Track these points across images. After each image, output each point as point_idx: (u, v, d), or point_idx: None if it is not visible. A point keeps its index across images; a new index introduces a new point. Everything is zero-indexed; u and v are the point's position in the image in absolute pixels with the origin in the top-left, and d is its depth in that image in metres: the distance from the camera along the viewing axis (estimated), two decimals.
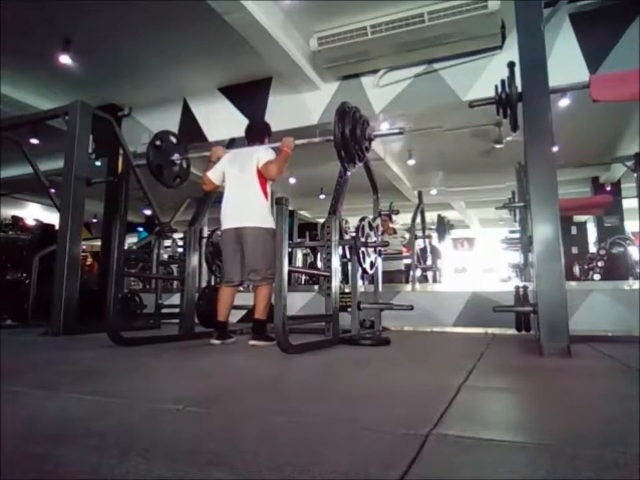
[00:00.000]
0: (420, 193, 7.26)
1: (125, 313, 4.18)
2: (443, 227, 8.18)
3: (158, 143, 3.47)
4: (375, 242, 3.43)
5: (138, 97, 6.24)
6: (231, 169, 3.11)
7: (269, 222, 3.02)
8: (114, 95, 6.21)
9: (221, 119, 5.83)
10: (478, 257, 15.84)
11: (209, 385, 1.63)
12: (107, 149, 5.74)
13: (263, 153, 3.04)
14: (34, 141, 6.51)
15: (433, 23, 4.25)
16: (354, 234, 3.32)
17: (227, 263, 3.11)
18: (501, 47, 4.65)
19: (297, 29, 4.68)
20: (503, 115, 2.61)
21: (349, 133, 2.89)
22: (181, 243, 8.19)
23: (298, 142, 3.12)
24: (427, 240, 7.46)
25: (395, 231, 6.67)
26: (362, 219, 3.36)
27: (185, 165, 3.67)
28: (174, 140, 3.61)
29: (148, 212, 10.05)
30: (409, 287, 5.86)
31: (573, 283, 6.26)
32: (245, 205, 3.01)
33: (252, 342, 2.86)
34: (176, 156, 3.56)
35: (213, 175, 3.16)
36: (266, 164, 2.98)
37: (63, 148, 4.00)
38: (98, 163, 6.03)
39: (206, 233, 4.86)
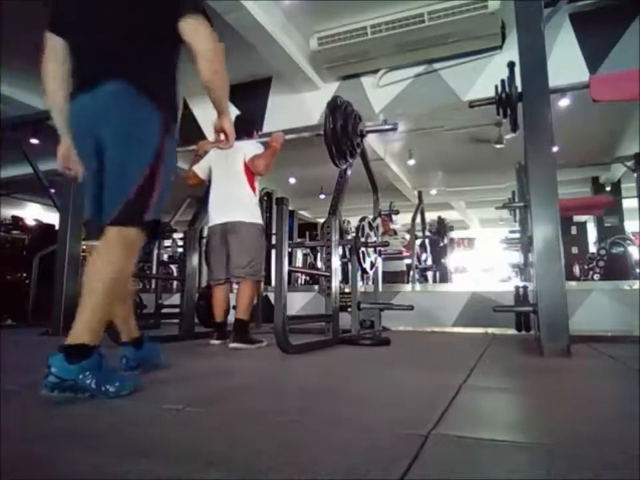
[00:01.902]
0: (420, 193, 7.28)
1: None
2: (443, 228, 8.19)
3: None
4: (374, 242, 3.43)
5: None
6: (218, 164, 3.05)
7: (256, 217, 2.98)
8: None
9: None
10: (478, 257, 15.84)
11: (208, 384, 1.63)
12: None
13: (250, 147, 2.98)
14: (34, 140, 6.50)
15: (433, 23, 4.25)
16: (354, 234, 3.31)
17: (212, 260, 3.04)
18: (500, 47, 4.65)
19: (297, 29, 4.68)
20: (503, 115, 2.61)
21: (340, 127, 2.81)
22: (181, 242, 8.19)
23: (287, 137, 3.07)
24: (427, 240, 7.47)
25: (395, 232, 6.67)
26: (362, 219, 3.36)
27: None
28: None
29: None
30: (409, 287, 5.86)
31: (572, 283, 6.25)
32: (231, 200, 2.95)
33: (232, 344, 2.71)
34: None
35: (199, 169, 3.12)
36: (253, 158, 2.92)
37: None
38: None
39: (206, 232, 4.85)
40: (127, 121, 1.47)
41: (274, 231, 2.84)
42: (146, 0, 1.51)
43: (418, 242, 7.17)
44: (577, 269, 9.62)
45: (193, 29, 1.45)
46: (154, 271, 5.05)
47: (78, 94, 1.52)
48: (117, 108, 1.46)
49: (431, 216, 8.07)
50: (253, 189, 2.99)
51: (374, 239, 3.45)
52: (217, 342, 2.92)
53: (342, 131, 2.85)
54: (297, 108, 5.50)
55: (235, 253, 2.93)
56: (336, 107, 2.86)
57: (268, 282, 5.24)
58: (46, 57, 1.57)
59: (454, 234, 9.96)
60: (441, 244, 8.10)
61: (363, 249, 3.26)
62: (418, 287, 6.26)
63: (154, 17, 1.50)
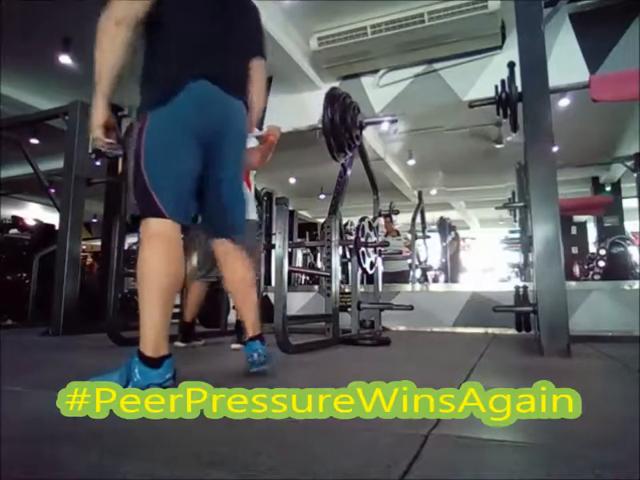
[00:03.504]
0: (420, 193, 7.28)
1: (125, 313, 4.17)
2: (444, 229, 8.19)
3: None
4: (375, 242, 3.43)
5: (138, 96, 6.24)
6: None
7: (250, 212, 2.92)
8: (114, 94, 6.20)
9: None
10: (478, 257, 15.84)
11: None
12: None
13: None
14: (34, 140, 6.50)
15: (432, 23, 4.26)
16: (354, 234, 3.31)
17: (201, 256, 2.90)
18: (500, 47, 4.66)
19: (297, 29, 4.68)
20: (503, 115, 2.61)
21: (339, 119, 2.75)
22: None
23: (284, 130, 3.01)
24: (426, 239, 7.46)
25: (398, 233, 6.65)
26: (362, 219, 3.36)
27: None
28: None
29: None
30: (409, 287, 5.86)
31: (572, 283, 6.26)
32: None
33: (234, 345, 2.66)
34: None
35: None
36: (247, 151, 2.86)
37: (63, 148, 4.00)
38: (98, 163, 6.02)
39: None
40: (244, 137, 1.87)
41: (274, 231, 2.82)
42: (251, 38, 1.89)
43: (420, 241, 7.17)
44: (577, 269, 9.63)
45: (261, 68, 1.93)
46: None
47: (205, 81, 1.65)
48: (243, 124, 1.82)
49: (431, 216, 8.07)
50: (248, 184, 2.89)
51: (374, 238, 3.45)
52: (181, 344, 2.75)
53: (341, 122, 2.78)
54: (297, 108, 5.50)
55: None
56: (334, 98, 2.82)
57: (268, 282, 5.24)
58: (121, 18, 1.59)
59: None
60: (444, 244, 8.10)
61: (363, 249, 3.26)
62: (418, 287, 6.25)
63: (252, 53, 1.89)
